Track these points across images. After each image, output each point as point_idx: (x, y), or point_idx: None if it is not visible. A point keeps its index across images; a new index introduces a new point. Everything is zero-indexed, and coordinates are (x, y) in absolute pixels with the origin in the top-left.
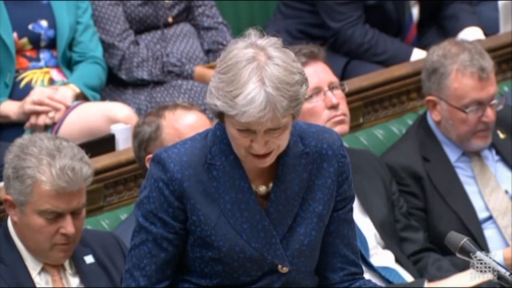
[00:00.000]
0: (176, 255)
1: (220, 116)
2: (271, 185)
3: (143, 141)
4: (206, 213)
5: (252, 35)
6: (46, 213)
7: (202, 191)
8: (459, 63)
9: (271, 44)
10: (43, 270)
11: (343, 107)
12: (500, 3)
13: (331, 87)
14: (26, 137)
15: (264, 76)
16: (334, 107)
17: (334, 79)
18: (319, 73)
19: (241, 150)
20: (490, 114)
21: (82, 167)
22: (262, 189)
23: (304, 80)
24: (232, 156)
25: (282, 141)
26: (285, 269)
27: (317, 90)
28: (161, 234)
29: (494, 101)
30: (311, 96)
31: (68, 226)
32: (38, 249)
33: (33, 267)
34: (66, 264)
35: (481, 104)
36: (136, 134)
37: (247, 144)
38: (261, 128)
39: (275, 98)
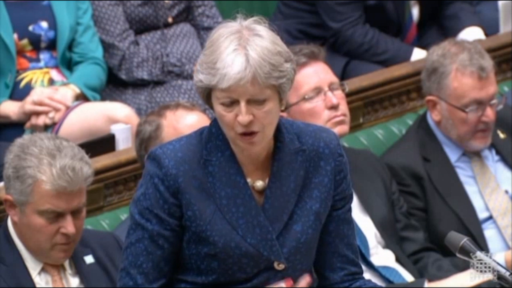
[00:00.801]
0: (173, 252)
1: (208, 97)
2: (267, 180)
3: (144, 140)
4: (201, 208)
5: (238, 18)
6: (46, 213)
7: (198, 187)
8: (458, 62)
9: (255, 21)
10: (43, 270)
11: (343, 108)
12: (500, 3)
13: (332, 87)
14: (26, 137)
15: (245, 43)
16: (334, 107)
17: (335, 79)
18: (319, 73)
19: (230, 132)
20: (490, 114)
21: (82, 167)
22: (260, 184)
23: (290, 59)
24: (228, 152)
25: (267, 119)
26: (281, 266)
27: (318, 90)
28: (157, 231)
29: (494, 101)
30: (311, 97)
31: (68, 226)
32: (39, 249)
33: (33, 267)
34: (66, 264)
35: (481, 103)
36: (137, 133)
37: (233, 120)
38: (243, 95)
39: (255, 61)
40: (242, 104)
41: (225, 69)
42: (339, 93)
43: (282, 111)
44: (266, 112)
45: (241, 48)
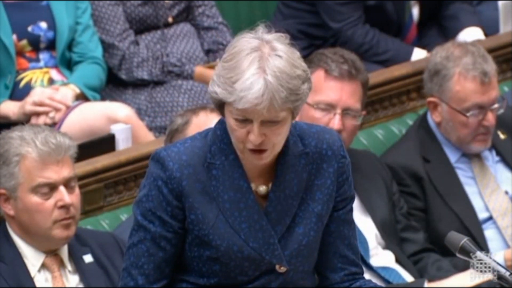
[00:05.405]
0: (175, 254)
1: (221, 107)
2: (270, 185)
3: (172, 130)
4: (204, 212)
5: (260, 29)
6: (39, 188)
7: (201, 190)
8: (461, 66)
9: (277, 38)
10: (43, 266)
11: (345, 135)
12: (500, 3)
13: (345, 112)
14: (3, 132)
15: (265, 65)
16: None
17: (354, 106)
18: (343, 93)
19: (239, 145)
20: (490, 118)
21: (64, 138)
22: (263, 189)
23: (307, 79)
24: (232, 156)
25: (278, 139)
26: (283, 269)
27: (330, 107)
28: (160, 233)
29: (495, 105)
30: (321, 109)
31: (64, 196)
32: (40, 232)
33: (33, 263)
34: (66, 260)
35: (482, 108)
36: (170, 122)
37: (244, 136)
38: (257, 117)
39: (273, 87)
40: (256, 125)
41: (243, 92)
42: (349, 121)
43: None
44: (279, 132)
45: (260, 72)
